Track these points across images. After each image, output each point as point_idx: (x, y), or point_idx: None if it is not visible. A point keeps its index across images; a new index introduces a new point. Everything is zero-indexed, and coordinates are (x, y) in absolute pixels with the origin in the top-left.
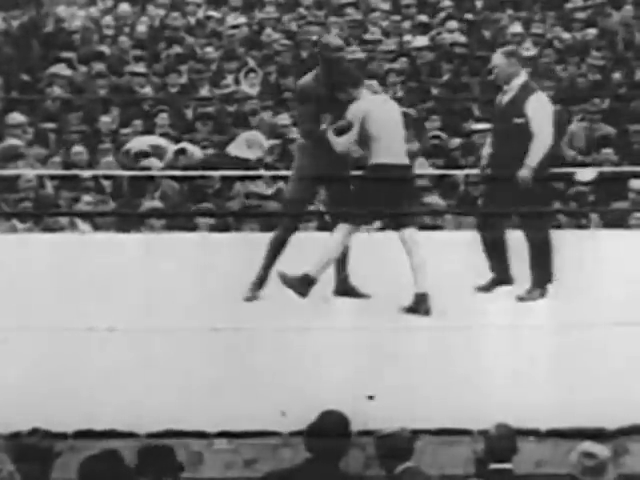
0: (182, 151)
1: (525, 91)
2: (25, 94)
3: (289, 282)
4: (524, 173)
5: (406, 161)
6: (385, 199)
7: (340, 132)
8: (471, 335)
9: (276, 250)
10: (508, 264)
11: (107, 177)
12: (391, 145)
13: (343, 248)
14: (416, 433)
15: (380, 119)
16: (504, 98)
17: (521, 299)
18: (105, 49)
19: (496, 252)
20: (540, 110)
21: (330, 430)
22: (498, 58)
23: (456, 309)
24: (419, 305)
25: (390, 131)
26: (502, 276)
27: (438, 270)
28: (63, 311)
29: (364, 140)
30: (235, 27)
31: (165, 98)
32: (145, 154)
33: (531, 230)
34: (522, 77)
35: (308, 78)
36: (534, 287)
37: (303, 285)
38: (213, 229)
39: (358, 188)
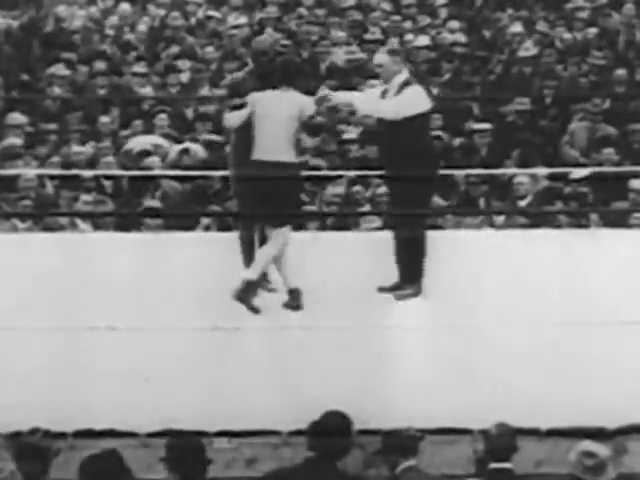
0: (186, 151)
1: (405, 87)
2: (25, 94)
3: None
4: (328, 95)
5: (287, 159)
6: (260, 197)
7: (234, 110)
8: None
9: (248, 249)
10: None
11: (107, 177)
12: (271, 142)
13: (280, 248)
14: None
15: (264, 115)
16: (387, 96)
17: (396, 297)
18: (106, 48)
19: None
20: (408, 95)
21: (333, 430)
22: (382, 57)
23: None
24: (295, 300)
25: (273, 127)
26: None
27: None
28: (64, 310)
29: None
30: (236, 27)
31: (165, 98)
32: (147, 153)
33: (404, 229)
34: (404, 75)
35: (240, 74)
36: (403, 284)
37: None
38: (213, 229)
39: (242, 185)
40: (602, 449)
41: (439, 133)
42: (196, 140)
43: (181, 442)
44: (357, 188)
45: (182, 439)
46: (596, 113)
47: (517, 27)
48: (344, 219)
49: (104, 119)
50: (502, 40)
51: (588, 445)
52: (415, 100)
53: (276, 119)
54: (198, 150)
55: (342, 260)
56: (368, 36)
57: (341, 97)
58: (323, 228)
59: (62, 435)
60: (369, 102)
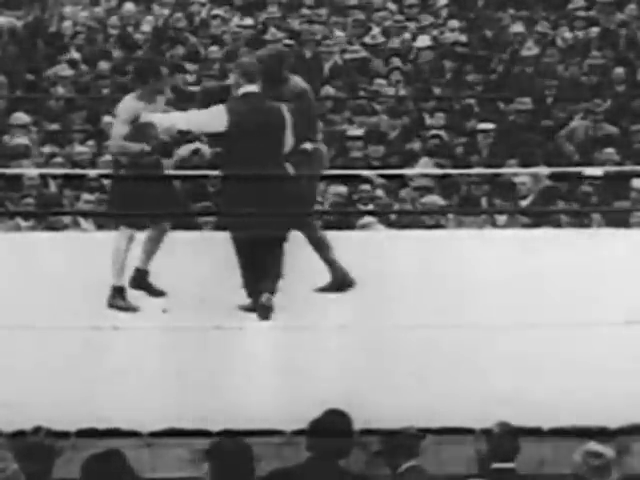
0: (197, 151)
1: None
2: (29, 93)
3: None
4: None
5: (118, 159)
6: None
7: None
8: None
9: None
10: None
11: (106, 176)
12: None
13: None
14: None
15: None
16: None
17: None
18: (110, 48)
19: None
20: (203, 112)
21: (333, 428)
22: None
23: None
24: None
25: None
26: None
27: None
28: (67, 310)
29: None
30: (241, 27)
31: (169, 98)
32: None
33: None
34: (243, 89)
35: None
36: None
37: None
38: (213, 228)
39: None
40: (608, 450)
41: (440, 133)
42: (202, 140)
43: (229, 445)
44: (364, 187)
45: (231, 441)
46: (598, 113)
47: (518, 27)
48: (346, 219)
49: (108, 119)
50: (503, 40)
51: (594, 445)
52: (205, 119)
53: None
54: (206, 151)
55: None
56: (370, 37)
57: (165, 122)
58: (326, 227)
59: (65, 434)
60: (168, 117)
